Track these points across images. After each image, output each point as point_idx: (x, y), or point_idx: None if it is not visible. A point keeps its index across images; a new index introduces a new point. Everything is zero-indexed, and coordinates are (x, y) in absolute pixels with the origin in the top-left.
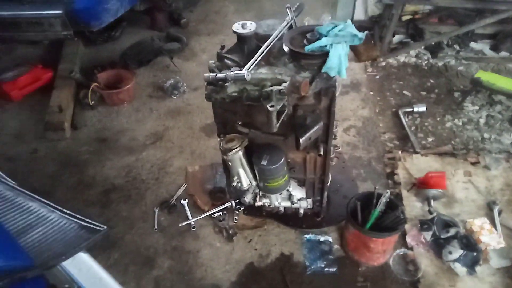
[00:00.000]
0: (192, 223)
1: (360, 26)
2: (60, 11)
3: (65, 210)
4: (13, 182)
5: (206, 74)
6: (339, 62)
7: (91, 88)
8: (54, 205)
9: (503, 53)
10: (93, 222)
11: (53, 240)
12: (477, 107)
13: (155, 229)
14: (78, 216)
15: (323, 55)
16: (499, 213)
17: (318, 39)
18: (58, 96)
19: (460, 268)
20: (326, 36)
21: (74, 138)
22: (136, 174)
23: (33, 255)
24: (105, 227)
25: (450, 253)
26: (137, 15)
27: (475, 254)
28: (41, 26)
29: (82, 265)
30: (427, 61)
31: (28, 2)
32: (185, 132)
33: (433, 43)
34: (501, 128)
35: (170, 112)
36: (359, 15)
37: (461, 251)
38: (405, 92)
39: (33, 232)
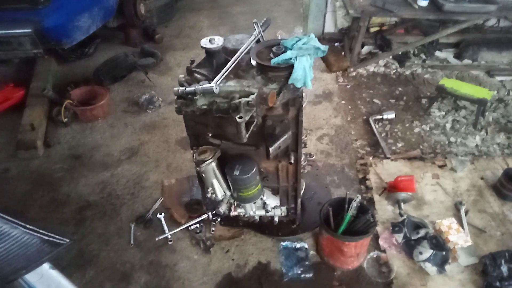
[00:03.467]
0: (169, 236)
1: (330, 38)
2: (29, 30)
3: (28, 226)
4: None
5: (176, 88)
6: (304, 73)
7: (64, 105)
8: (17, 221)
9: (466, 61)
10: (56, 236)
11: (14, 255)
12: (443, 113)
13: (131, 244)
14: (40, 231)
15: (289, 67)
16: (466, 213)
17: (284, 52)
18: (30, 114)
19: (430, 268)
20: (291, 49)
21: (47, 156)
22: (111, 190)
23: None
24: (68, 240)
25: (421, 253)
26: (111, 32)
27: (444, 253)
28: (10, 45)
29: (50, 281)
30: (395, 70)
31: None
32: (161, 146)
33: (400, 53)
34: (466, 131)
35: (145, 127)
36: (329, 27)
37: (431, 251)
38: (375, 100)
39: None
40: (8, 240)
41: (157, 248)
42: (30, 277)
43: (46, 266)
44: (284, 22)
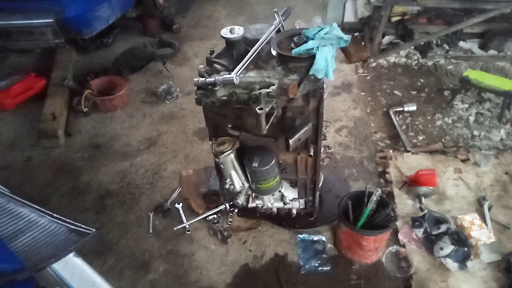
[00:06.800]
0: (187, 226)
1: (350, 28)
2: (51, 20)
3: (55, 215)
4: (4, 189)
5: (196, 79)
6: (326, 64)
7: (84, 95)
8: (44, 210)
9: (491, 52)
10: (82, 226)
11: (43, 243)
12: (466, 105)
13: (150, 233)
14: (67, 220)
15: (310, 57)
16: (489, 208)
17: (305, 42)
18: (52, 103)
19: (451, 264)
20: (313, 39)
21: (68, 145)
22: (130, 179)
23: (23, 258)
24: (94, 230)
25: (442, 249)
26: (129, 22)
27: (466, 249)
28: (33, 35)
29: (74, 269)
30: (417, 61)
31: (19, 12)
32: (179, 136)
33: (422, 43)
34: (490, 125)
35: (163, 117)
36: (349, 17)
37: (452, 247)
38: (395, 92)
39: (23, 236)
40: (36, 229)
41: (175, 238)
42: (56, 264)
43: (70, 254)
44: (303, 12)
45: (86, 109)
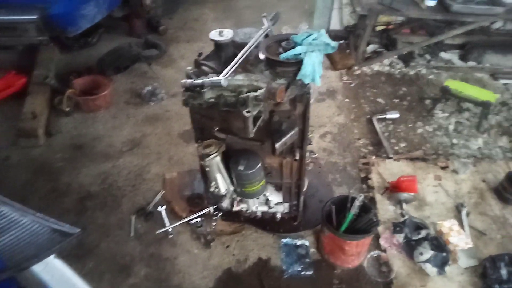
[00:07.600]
0: (170, 230)
1: (336, 36)
2: (35, 16)
3: (37, 214)
4: None
5: (183, 80)
6: (313, 69)
7: (66, 94)
8: (26, 208)
9: (471, 63)
10: (66, 225)
11: (25, 243)
12: (446, 114)
13: (132, 236)
14: (50, 219)
15: (298, 62)
16: (467, 215)
17: (293, 47)
18: (32, 102)
19: (430, 269)
20: (301, 44)
21: (49, 145)
22: (112, 181)
23: (4, 258)
24: (78, 230)
25: (421, 254)
26: (115, 22)
27: (444, 254)
28: (15, 31)
29: (55, 271)
30: (399, 70)
31: (2, 7)
32: (163, 138)
33: (405, 53)
34: (469, 134)
35: (147, 119)
36: (335, 24)
37: (432, 252)
38: (378, 99)
39: (4, 236)
40: (18, 228)
41: (157, 241)
42: (36, 266)
43: (51, 255)
44: (290, 18)
45: (68, 108)
